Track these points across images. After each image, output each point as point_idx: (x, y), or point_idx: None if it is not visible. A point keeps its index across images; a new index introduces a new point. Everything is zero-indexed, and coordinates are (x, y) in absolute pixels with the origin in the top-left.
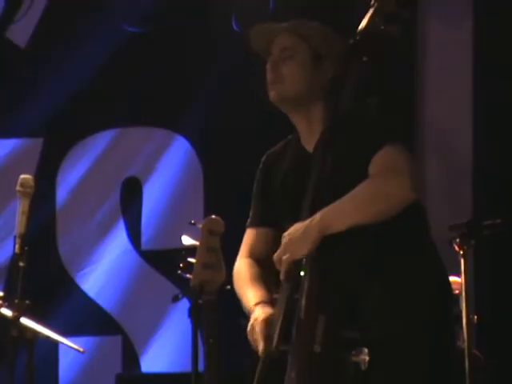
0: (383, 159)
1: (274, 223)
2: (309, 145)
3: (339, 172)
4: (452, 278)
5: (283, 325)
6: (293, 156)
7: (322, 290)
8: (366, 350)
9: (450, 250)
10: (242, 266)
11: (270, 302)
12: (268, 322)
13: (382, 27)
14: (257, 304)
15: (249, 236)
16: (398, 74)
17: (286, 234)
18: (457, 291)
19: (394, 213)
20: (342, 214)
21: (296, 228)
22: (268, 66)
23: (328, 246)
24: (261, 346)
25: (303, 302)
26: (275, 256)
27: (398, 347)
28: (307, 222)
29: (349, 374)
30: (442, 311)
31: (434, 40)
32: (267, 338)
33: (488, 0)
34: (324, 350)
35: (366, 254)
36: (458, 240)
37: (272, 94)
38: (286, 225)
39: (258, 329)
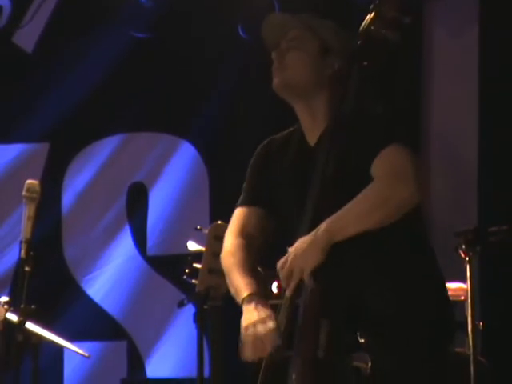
0: (387, 161)
1: (267, 205)
2: (312, 138)
3: (342, 170)
4: (457, 285)
5: (287, 330)
6: (296, 148)
7: (324, 294)
8: (367, 356)
9: (455, 257)
10: (233, 247)
11: (260, 294)
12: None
13: (383, 32)
14: (249, 296)
15: (239, 213)
16: (404, 82)
17: (291, 248)
18: (462, 297)
19: (399, 216)
20: (348, 221)
21: (302, 241)
22: (274, 55)
23: (330, 250)
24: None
25: (306, 306)
26: (279, 266)
27: (401, 353)
28: (312, 233)
29: (351, 380)
30: (444, 317)
31: (439, 48)
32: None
33: (493, 7)
34: (327, 355)
35: (369, 257)
36: (463, 246)
37: (275, 81)
38: (286, 213)
39: (267, 338)
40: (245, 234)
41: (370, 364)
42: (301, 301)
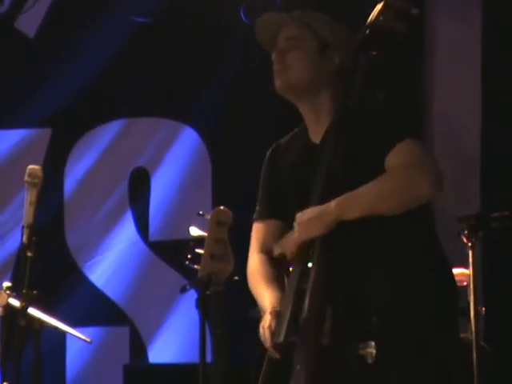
0: (406, 153)
1: (283, 216)
2: (316, 136)
3: (350, 164)
4: (460, 270)
5: (292, 316)
6: (300, 147)
7: (329, 281)
8: (372, 344)
9: (458, 242)
10: (257, 264)
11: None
12: (275, 316)
13: (391, 23)
14: (272, 307)
15: (258, 229)
16: (407, 69)
17: (299, 214)
18: (464, 283)
19: (414, 206)
20: (361, 201)
21: (312, 210)
22: (274, 56)
23: (336, 236)
24: (268, 342)
25: (310, 293)
26: (284, 237)
27: (405, 341)
28: (324, 205)
29: (355, 367)
30: (448, 306)
31: (442, 35)
32: (274, 332)
33: None
34: (331, 343)
35: (374, 245)
36: (466, 232)
37: (278, 84)
38: (292, 214)
39: (266, 324)
40: (266, 249)
41: (374, 352)
42: (307, 287)
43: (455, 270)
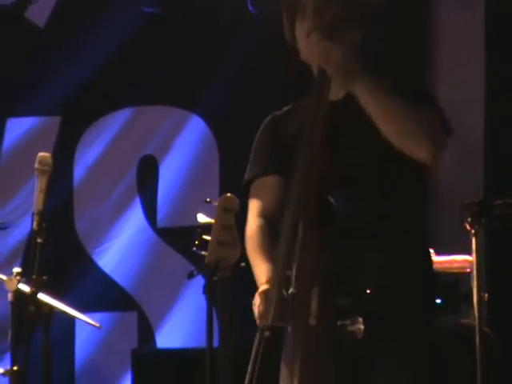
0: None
1: (282, 171)
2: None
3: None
4: (463, 257)
5: (278, 300)
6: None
7: (315, 262)
8: (360, 319)
9: (461, 229)
10: (256, 230)
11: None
12: (264, 296)
13: None
14: (267, 282)
15: (257, 190)
16: (412, 59)
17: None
18: (468, 269)
19: (408, 153)
20: (382, 94)
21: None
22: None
23: (324, 214)
24: (258, 320)
25: (296, 275)
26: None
27: (392, 316)
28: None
29: (345, 344)
30: (431, 284)
31: (446, 22)
32: (263, 312)
33: None
34: (319, 323)
35: (363, 223)
36: (469, 219)
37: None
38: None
39: (256, 302)
40: (264, 212)
41: (363, 327)
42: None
43: (459, 257)
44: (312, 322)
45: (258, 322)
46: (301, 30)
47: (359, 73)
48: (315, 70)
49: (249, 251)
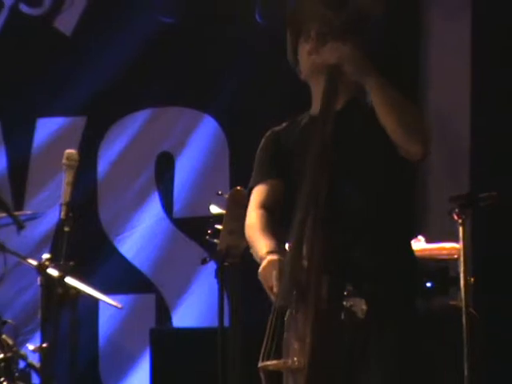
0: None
1: (281, 175)
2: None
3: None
4: (451, 244)
5: (291, 285)
6: (307, 121)
7: (323, 253)
8: (362, 301)
9: (449, 219)
10: (255, 218)
11: (281, 251)
12: (281, 270)
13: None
14: (268, 253)
15: (257, 191)
16: (404, 65)
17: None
18: (455, 256)
19: (406, 146)
20: (388, 89)
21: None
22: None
23: (331, 212)
24: (275, 290)
25: (308, 267)
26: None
27: (388, 298)
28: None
29: (349, 322)
30: (418, 270)
31: (435, 33)
32: (280, 287)
33: None
34: (329, 306)
35: (362, 219)
36: (457, 210)
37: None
38: (294, 183)
39: (274, 274)
40: (264, 204)
41: (365, 308)
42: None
43: (447, 245)
44: (322, 306)
45: (271, 295)
46: (303, 51)
47: (372, 69)
48: (312, 87)
49: (249, 237)
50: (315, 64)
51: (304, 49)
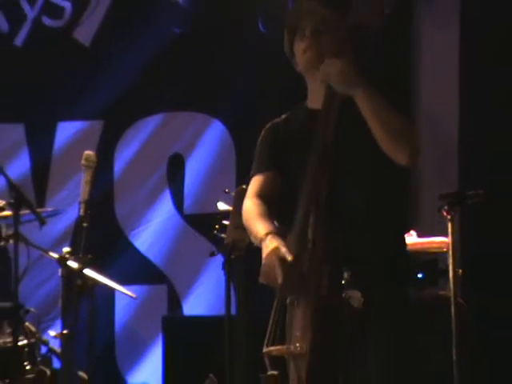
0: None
1: (277, 167)
2: (318, 103)
3: (343, 136)
4: (441, 239)
5: (291, 281)
6: (304, 114)
7: (326, 245)
8: (359, 292)
9: (439, 216)
10: (251, 205)
11: (278, 233)
12: (284, 259)
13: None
14: (267, 234)
15: (254, 181)
16: (396, 70)
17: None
18: (445, 249)
19: (386, 150)
20: (376, 103)
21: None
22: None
23: (332, 206)
24: (279, 279)
25: (310, 259)
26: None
27: (383, 289)
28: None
29: (347, 312)
30: (410, 262)
31: (426, 40)
32: (283, 276)
33: (473, 5)
34: (329, 294)
35: (359, 214)
36: (446, 207)
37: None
38: (294, 177)
39: (276, 264)
40: (260, 194)
41: (362, 299)
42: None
43: (437, 239)
44: (323, 293)
45: (278, 279)
46: (299, 48)
47: (359, 83)
48: (308, 81)
49: (245, 220)
50: (310, 61)
51: (299, 47)
